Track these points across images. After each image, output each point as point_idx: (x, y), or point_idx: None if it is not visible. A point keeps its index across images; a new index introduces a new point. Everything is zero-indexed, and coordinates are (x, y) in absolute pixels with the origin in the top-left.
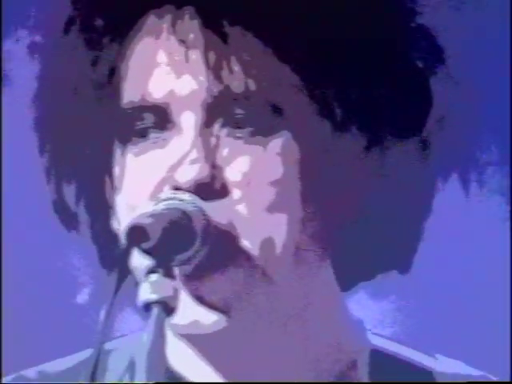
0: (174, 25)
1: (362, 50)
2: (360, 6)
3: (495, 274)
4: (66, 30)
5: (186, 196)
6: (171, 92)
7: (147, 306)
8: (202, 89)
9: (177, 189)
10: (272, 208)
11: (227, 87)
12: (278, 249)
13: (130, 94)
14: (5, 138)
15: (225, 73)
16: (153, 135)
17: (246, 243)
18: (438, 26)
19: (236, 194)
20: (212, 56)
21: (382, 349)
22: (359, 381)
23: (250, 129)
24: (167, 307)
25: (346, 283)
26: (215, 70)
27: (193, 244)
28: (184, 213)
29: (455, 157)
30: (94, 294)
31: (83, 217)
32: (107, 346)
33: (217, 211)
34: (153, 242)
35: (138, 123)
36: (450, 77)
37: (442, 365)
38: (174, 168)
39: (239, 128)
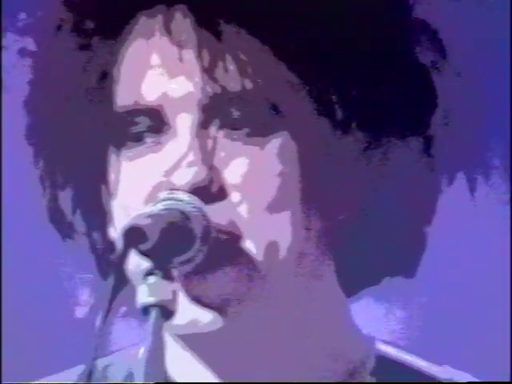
0: (166, 25)
1: (361, 46)
2: (359, 2)
3: (501, 278)
4: (57, 34)
5: (185, 196)
6: (165, 94)
7: (145, 310)
8: (196, 89)
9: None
10: (273, 209)
11: (223, 87)
12: (283, 252)
13: (123, 98)
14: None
15: (220, 72)
16: (148, 139)
17: (249, 246)
18: (437, 21)
19: (235, 196)
20: (206, 55)
21: (387, 355)
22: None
23: (247, 129)
24: (166, 311)
25: (351, 288)
26: (210, 70)
27: (192, 245)
28: (183, 213)
29: (461, 157)
30: (94, 307)
31: (80, 225)
32: (104, 361)
33: (216, 213)
34: (151, 244)
35: (133, 127)
36: (454, 73)
37: (447, 373)
38: (170, 171)
39: (236, 129)
